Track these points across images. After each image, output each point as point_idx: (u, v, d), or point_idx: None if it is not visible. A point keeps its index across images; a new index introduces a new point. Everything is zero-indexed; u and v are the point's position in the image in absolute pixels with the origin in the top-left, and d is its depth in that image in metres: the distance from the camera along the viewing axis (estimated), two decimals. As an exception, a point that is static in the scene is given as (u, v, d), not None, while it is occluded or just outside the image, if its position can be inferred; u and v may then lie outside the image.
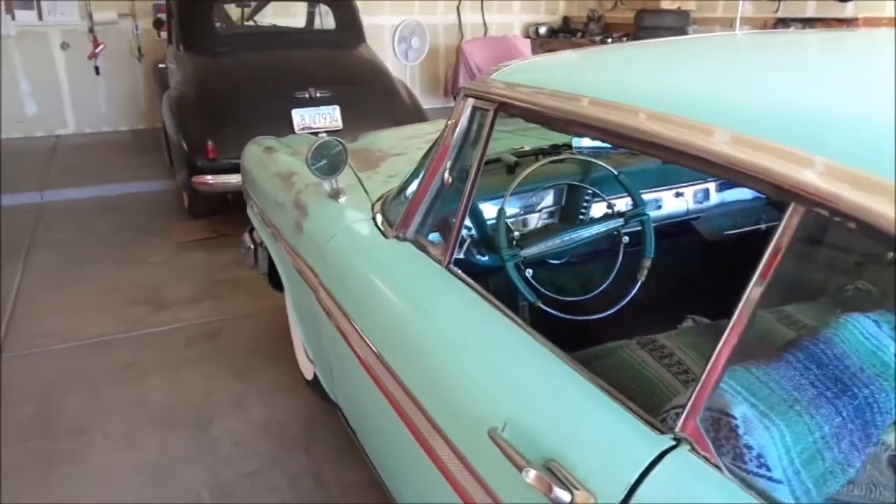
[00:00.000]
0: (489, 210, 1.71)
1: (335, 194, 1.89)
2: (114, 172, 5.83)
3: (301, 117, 4.21)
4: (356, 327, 1.51)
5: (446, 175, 1.44)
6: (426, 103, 7.96)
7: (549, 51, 9.21)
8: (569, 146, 1.94)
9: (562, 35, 9.07)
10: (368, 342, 1.46)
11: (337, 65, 4.70)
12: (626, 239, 1.70)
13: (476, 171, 1.33)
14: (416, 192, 1.52)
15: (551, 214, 1.85)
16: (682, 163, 0.95)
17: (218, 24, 5.24)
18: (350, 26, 5.22)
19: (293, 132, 4.13)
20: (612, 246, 1.74)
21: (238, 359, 2.88)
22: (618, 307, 1.63)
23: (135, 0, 7.29)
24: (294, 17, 6.23)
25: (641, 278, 1.64)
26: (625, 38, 8.04)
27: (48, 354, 2.95)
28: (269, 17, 6.59)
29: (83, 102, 7.62)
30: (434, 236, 1.51)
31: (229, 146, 3.90)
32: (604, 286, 1.67)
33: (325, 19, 5.59)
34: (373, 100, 4.50)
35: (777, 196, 0.82)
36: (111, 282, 3.71)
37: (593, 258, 1.89)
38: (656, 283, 1.90)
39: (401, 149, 2.42)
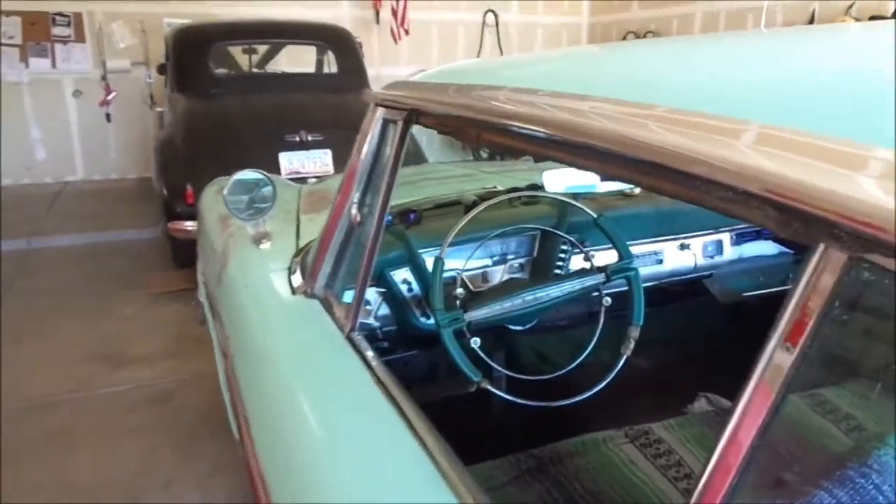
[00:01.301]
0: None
1: (258, 239, 1.56)
2: (109, 219, 5.65)
3: (289, 161, 3.95)
4: (244, 406, 1.15)
5: (353, 210, 1.11)
6: (440, 156, 7.77)
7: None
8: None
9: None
10: (247, 423, 1.10)
11: (333, 108, 4.46)
12: (607, 300, 1.33)
13: (382, 204, 1.00)
14: (322, 234, 1.18)
15: (521, 268, 1.50)
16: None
17: (219, 70, 5.08)
18: (352, 70, 5.01)
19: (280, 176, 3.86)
20: (592, 309, 1.37)
21: (184, 429, 2.53)
22: (594, 390, 1.25)
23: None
24: (308, 66, 6.08)
25: (626, 352, 1.27)
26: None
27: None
28: (282, 66, 6.47)
29: (93, 149, 7.55)
30: (347, 292, 1.17)
31: (208, 189, 3.64)
32: (576, 362, 1.30)
33: (333, 66, 5.42)
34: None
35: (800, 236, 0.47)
36: (75, 335, 3.41)
37: (568, 325, 1.52)
38: (656, 355, 1.51)
39: None
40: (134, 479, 2.24)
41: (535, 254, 1.49)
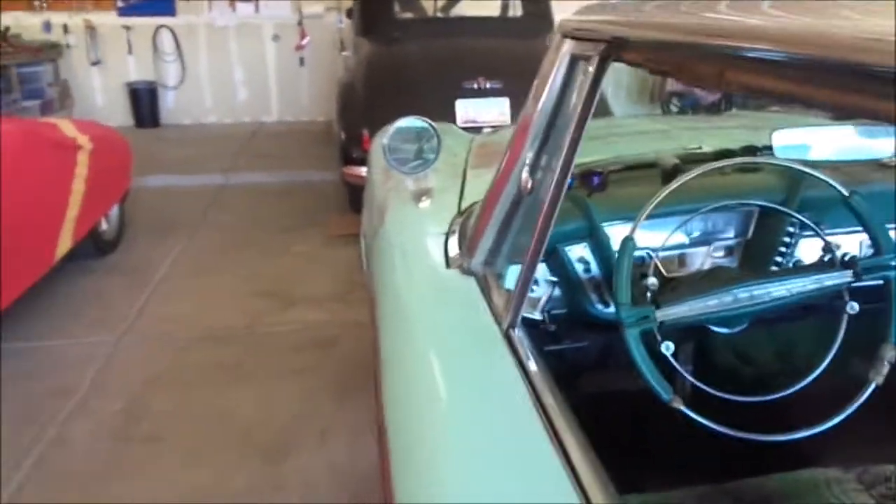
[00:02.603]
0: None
1: (418, 196, 1.40)
2: (296, 160, 5.92)
3: (465, 109, 3.79)
4: (382, 391, 1.00)
5: (524, 174, 0.89)
6: (624, 109, 7.24)
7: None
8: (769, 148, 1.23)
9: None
10: (384, 414, 0.95)
11: (514, 54, 4.20)
12: (852, 306, 1.00)
13: (564, 166, 0.77)
14: (484, 199, 0.98)
15: (729, 252, 1.20)
16: None
17: (403, 14, 5.02)
18: (538, 13, 4.70)
19: (455, 124, 3.73)
20: (830, 314, 1.05)
21: (343, 377, 2.52)
22: (826, 425, 0.95)
23: (339, -7, 7.43)
24: (493, 11, 5.83)
25: (877, 379, 0.95)
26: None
27: (164, 342, 2.82)
28: (467, 10, 6.30)
29: (287, 92, 7.96)
30: (510, 273, 0.96)
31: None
32: (803, 383, 1.00)
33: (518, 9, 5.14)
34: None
35: None
36: (254, 270, 3.58)
37: (792, 330, 1.20)
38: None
39: None
40: (291, 422, 2.26)
41: (749, 235, 1.18)
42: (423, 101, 3.77)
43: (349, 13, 6.07)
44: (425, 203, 1.37)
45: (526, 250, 0.83)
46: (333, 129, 4.49)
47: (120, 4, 7.39)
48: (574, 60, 0.83)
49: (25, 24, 7.22)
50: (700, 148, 1.39)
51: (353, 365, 2.60)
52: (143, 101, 7.51)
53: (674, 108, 7.59)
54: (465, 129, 3.74)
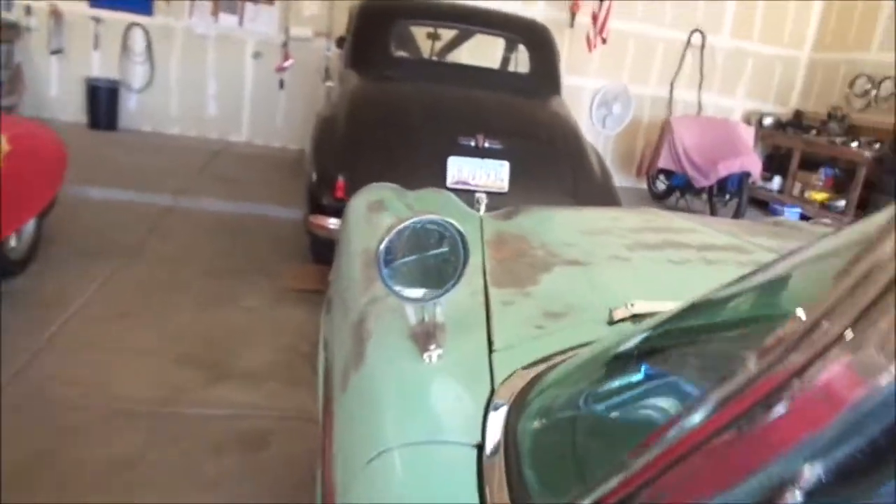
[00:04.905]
0: None
1: (425, 337, 0.88)
2: (258, 189, 5.36)
3: (458, 168, 3.32)
4: None
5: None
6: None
7: (775, 146, 7.79)
8: None
9: (791, 130, 7.60)
10: None
11: (518, 113, 3.78)
12: None
13: None
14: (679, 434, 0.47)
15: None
16: None
17: (398, 52, 4.57)
18: (545, 73, 4.31)
19: (444, 185, 3.25)
20: None
21: (269, 497, 1.95)
22: None
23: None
24: (493, 63, 5.42)
25: None
26: (877, 146, 6.47)
27: (45, 416, 2.20)
28: (464, 58, 5.91)
29: (261, 114, 7.43)
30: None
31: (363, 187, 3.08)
32: None
33: (522, 65, 4.75)
34: (554, 162, 3.51)
35: None
36: (184, 323, 2.99)
37: None
38: None
39: (581, 251, 1.33)
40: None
41: None
42: (411, 151, 3.31)
43: (339, 42, 5.63)
44: (433, 352, 0.84)
45: None
46: (304, 164, 3.96)
47: (93, -6, 6.81)
48: None
49: (-17, -2, 6.59)
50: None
51: (283, 480, 2.03)
52: (102, 100, 6.87)
53: (661, 186, 7.28)
54: (454, 190, 3.28)
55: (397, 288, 0.86)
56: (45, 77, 6.96)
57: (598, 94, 7.81)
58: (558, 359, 0.76)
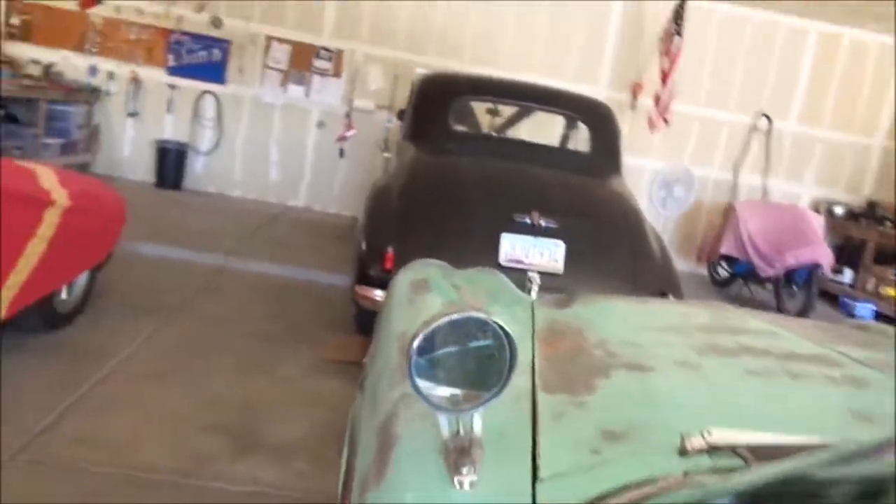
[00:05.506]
0: None
1: (458, 455, 0.73)
2: (311, 256, 5.36)
3: (512, 246, 3.20)
4: None
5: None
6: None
7: (847, 236, 7.42)
8: None
9: (865, 220, 7.24)
10: None
11: (575, 191, 3.66)
12: None
13: None
14: None
15: None
16: None
17: (457, 126, 4.56)
18: (605, 152, 4.21)
19: (496, 262, 3.13)
20: None
21: None
22: None
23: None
24: (552, 141, 5.37)
25: None
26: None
27: (65, 478, 2.10)
28: (523, 135, 5.90)
29: (319, 181, 7.57)
30: None
31: (413, 259, 2.99)
32: None
33: (582, 144, 4.68)
34: (612, 243, 3.37)
35: None
36: (219, 387, 2.90)
37: None
38: None
39: (645, 353, 1.14)
40: None
41: None
42: (464, 226, 3.22)
43: (400, 114, 5.70)
44: (467, 479, 0.70)
45: None
46: (356, 233, 3.92)
47: (171, 63, 7.17)
48: None
49: (73, 63, 7.01)
50: None
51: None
52: (171, 161, 7.13)
53: (723, 273, 6.97)
54: (506, 268, 3.15)
55: (430, 391, 0.73)
56: (119, 138, 7.29)
57: (660, 176, 7.68)
58: (618, 500, 0.62)
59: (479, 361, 0.78)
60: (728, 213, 6.69)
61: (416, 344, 0.71)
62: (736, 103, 7.67)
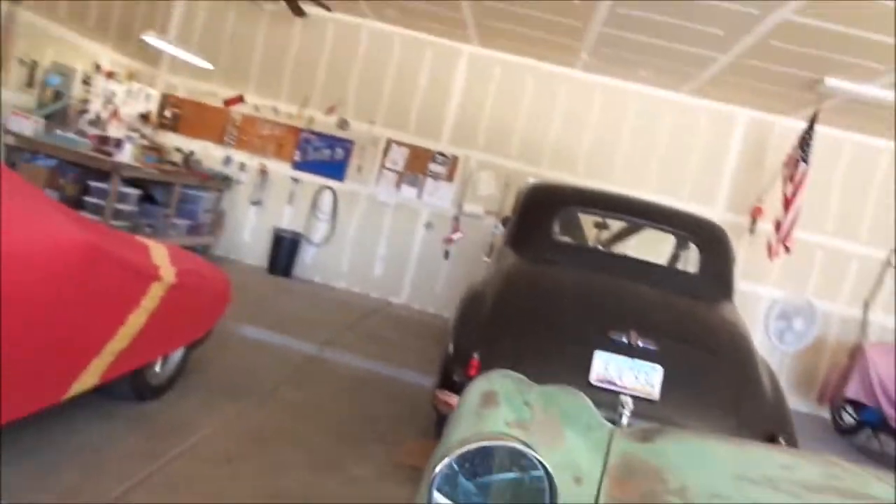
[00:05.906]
0: None
1: None
2: (403, 353, 5.32)
3: (604, 365, 3.00)
4: None
5: None
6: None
7: None
8: None
9: None
10: None
11: (679, 313, 3.43)
12: None
13: None
14: None
15: None
16: None
17: (561, 237, 4.48)
18: (716, 274, 3.97)
19: (586, 382, 2.94)
20: None
21: None
22: None
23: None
24: (660, 259, 5.16)
25: None
26: None
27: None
28: (630, 251, 5.73)
29: (422, 280, 7.65)
30: None
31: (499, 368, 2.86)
32: None
33: (692, 265, 4.46)
34: (716, 372, 3.09)
35: None
36: (286, 481, 2.82)
37: None
38: None
39: None
40: None
41: None
42: (556, 338, 3.07)
43: (504, 221, 5.71)
44: None
45: None
46: (446, 335, 3.85)
47: (297, 159, 7.67)
48: None
49: (211, 153, 7.65)
50: None
51: None
52: (284, 248, 7.48)
53: (848, 419, 6.25)
54: (596, 388, 2.95)
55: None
56: (241, 223, 7.76)
57: (778, 306, 7.18)
58: None
59: (522, 493, 0.66)
60: (856, 353, 6.09)
61: (438, 469, 0.61)
62: (867, 235, 7.15)
